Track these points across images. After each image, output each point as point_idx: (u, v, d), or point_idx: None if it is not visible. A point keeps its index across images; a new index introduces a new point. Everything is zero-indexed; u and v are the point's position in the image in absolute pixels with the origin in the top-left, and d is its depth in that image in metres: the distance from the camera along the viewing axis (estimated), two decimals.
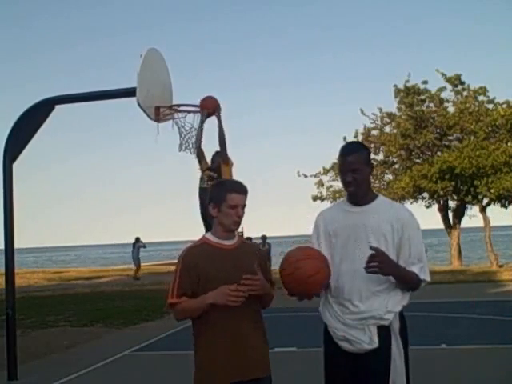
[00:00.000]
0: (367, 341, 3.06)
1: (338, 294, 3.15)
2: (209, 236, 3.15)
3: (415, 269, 3.07)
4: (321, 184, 25.84)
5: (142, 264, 25.12)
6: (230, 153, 6.69)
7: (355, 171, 3.11)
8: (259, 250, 3.34)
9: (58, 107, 7.52)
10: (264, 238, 21.36)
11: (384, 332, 3.06)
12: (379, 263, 2.92)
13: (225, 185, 3.17)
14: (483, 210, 24.24)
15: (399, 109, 24.65)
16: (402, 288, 3.10)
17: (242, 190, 3.11)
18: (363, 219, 3.13)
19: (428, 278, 3.12)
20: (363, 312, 3.06)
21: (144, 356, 8.32)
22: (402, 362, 3.08)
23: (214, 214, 3.11)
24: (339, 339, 3.13)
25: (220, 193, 3.09)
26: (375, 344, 3.05)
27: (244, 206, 3.12)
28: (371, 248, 2.94)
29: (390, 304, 3.07)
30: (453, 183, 22.69)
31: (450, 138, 24.64)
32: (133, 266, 25.06)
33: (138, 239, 24.11)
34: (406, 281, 3.08)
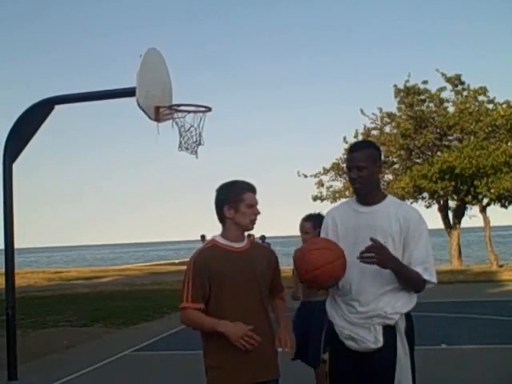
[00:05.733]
0: (372, 340, 3.06)
1: (345, 293, 3.15)
2: (218, 238, 3.14)
3: (419, 269, 3.06)
4: (321, 184, 25.83)
5: (142, 264, 25.12)
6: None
7: (360, 168, 3.11)
8: (270, 252, 3.30)
9: (57, 107, 7.52)
10: (263, 237, 21.36)
11: (389, 331, 3.07)
12: (376, 254, 2.91)
13: (239, 185, 3.14)
14: (483, 210, 24.23)
15: (399, 109, 24.63)
16: (406, 287, 3.07)
17: (255, 189, 3.16)
18: (372, 219, 3.12)
19: (434, 280, 3.09)
20: (369, 311, 3.07)
21: (144, 356, 8.31)
22: (407, 361, 3.08)
23: (230, 216, 3.09)
24: (345, 338, 3.13)
25: (236, 193, 3.09)
26: (380, 343, 3.05)
27: (258, 204, 3.16)
28: (371, 240, 2.93)
29: (396, 304, 3.07)
30: (453, 183, 22.67)
31: (450, 137, 24.62)
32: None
33: None
34: (408, 278, 3.04)
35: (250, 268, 3.06)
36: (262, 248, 3.33)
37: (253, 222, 3.12)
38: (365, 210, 3.17)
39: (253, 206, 3.10)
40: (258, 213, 3.14)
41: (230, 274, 3.02)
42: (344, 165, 23.72)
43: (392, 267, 2.98)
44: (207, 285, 3.01)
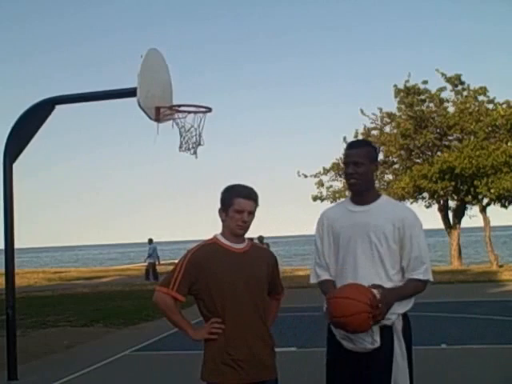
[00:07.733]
0: (369, 340, 3.06)
1: None
2: (219, 237, 3.16)
3: (419, 275, 3.10)
4: (321, 184, 25.85)
5: (140, 264, 25.14)
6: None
7: (357, 164, 3.14)
8: (270, 254, 3.31)
9: (58, 107, 7.52)
10: (261, 238, 21.26)
11: (386, 332, 3.07)
12: (378, 315, 2.93)
13: (234, 189, 3.15)
14: (483, 210, 24.24)
15: (399, 109, 24.64)
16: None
17: (250, 196, 3.11)
18: (365, 218, 3.14)
19: (431, 278, 3.15)
20: None
21: (144, 356, 8.32)
22: (404, 361, 3.09)
23: (222, 218, 3.14)
24: (342, 338, 3.14)
25: (228, 197, 3.11)
26: (377, 344, 3.06)
27: (251, 212, 3.10)
28: (373, 285, 2.99)
29: (394, 305, 3.06)
30: (453, 183, 22.69)
31: (450, 137, 24.64)
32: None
33: None
34: (409, 295, 3.14)
35: (248, 270, 3.08)
36: (262, 250, 3.33)
37: (239, 227, 3.09)
38: (359, 210, 3.19)
39: (242, 211, 3.06)
40: (245, 220, 3.08)
41: (229, 274, 3.04)
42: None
43: (393, 303, 3.03)
44: (193, 282, 3.05)
